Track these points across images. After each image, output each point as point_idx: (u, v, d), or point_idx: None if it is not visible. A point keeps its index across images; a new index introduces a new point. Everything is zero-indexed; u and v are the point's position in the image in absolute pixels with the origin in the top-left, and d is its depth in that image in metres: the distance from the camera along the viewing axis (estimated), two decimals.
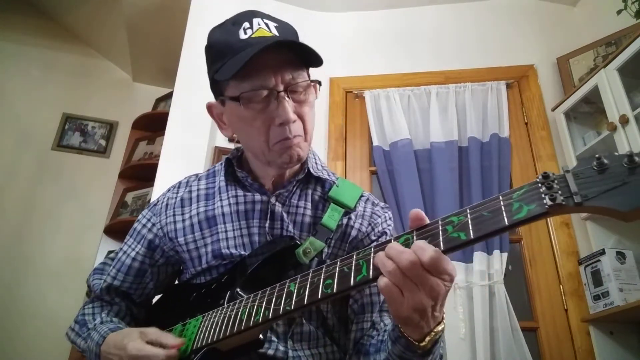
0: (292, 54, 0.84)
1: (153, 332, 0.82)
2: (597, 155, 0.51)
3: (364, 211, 0.97)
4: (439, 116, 2.45)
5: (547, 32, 2.69)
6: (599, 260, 1.96)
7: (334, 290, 0.64)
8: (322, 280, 0.66)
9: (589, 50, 2.45)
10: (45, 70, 3.42)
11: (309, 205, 0.94)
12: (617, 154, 0.50)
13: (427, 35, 2.79)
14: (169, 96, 2.99)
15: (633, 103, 1.99)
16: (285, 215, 0.92)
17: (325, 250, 0.90)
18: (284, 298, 0.70)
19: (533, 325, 2.08)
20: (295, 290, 0.69)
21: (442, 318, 0.66)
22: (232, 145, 2.51)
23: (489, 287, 2.07)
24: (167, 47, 3.06)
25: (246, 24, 0.85)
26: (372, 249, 0.64)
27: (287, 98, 0.82)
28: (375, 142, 2.45)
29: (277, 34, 0.85)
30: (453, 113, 2.45)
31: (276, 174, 0.93)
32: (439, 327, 0.65)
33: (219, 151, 2.46)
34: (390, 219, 0.99)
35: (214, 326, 0.78)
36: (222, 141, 2.51)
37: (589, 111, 2.33)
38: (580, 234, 2.18)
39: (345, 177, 2.40)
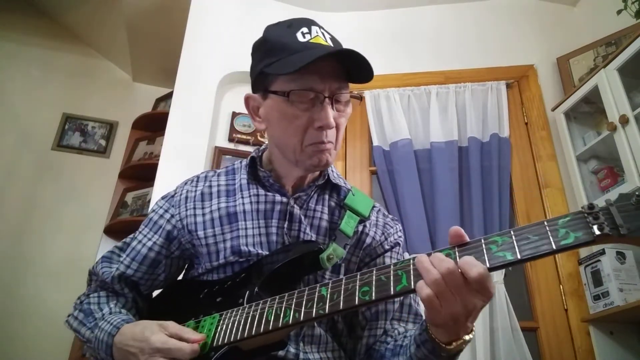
0: (342, 68, 0.88)
1: (172, 325, 0.81)
2: (637, 193, 0.57)
3: (377, 221, 1.01)
4: (439, 116, 2.45)
5: (547, 32, 2.69)
6: (599, 260, 1.96)
7: (373, 297, 0.66)
8: (357, 287, 0.68)
9: (589, 50, 2.45)
10: (45, 70, 3.42)
11: (326, 210, 0.97)
12: None
13: (427, 35, 2.79)
14: (169, 96, 2.99)
15: (633, 103, 1.99)
16: (303, 217, 0.94)
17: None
18: (315, 301, 0.71)
19: (533, 325, 2.08)
20: (328, 295, 0.70)
21: (472, 329, 0.69)
22: (232, 146, 2.52)
23: (491, 280, 2.07)
24: (167, 47, 3.06)
25: (304, 29, 0.89)
26: (412, 261, 0.66)
27: (331, 105, 0.86)
28: (375, 142, 2.45)
29: (332, 45, 0.89)
30: (453, 113, 2.45)
31: (300, 175, 0.96)
32: (467, 337, 0.68)
33: (219, 151, 2.46)
34: (400, 231, 1.04)
35: (236, 325, 0.78)
36: (222, 141, 2.52)
37: (589, 111, 2.33)
38: None
39: (346, 177, 2.40)
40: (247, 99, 0.97)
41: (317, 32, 0.89)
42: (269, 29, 0.94)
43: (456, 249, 0.64)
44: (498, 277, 2.06)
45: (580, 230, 0.57)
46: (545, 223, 0.59)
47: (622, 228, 0.55)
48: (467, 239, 0.64)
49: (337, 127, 0.90)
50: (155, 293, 1.05)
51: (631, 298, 1.84)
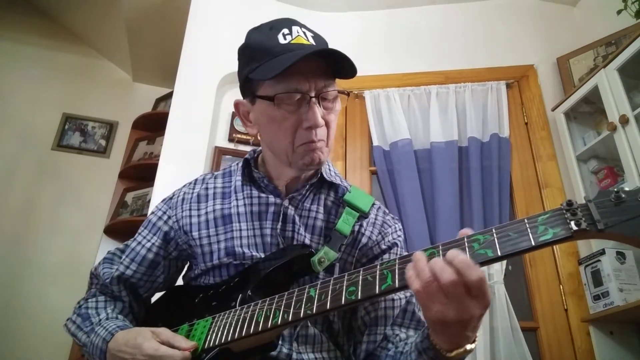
0: (326, 65, 0.89)
1: (165, 332, 0.82)
2: (615, 189, 0.58)
3: (376, 219, 0.99)
4: (439, 116, 2.45)
5: (547, 32, 2.69)
6: (599, 260, 1.96)
7: (359, 297, 0.67)
8: (344, 287, 0.69)
9: (589, 50, 2.45)
10: (45, 70, 3.41)
11: (322, 209, 0.97)
12: (630, 189, 0.58)
13: (427, 35, 2.79)
14: (169, 96, 2.99)
15: (633, 103, 1.99)
16: (297, 218, 0.94)
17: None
18: (304, 302, 0.72)
19: (533, 325, 2.08)
20: (316, 296, 0.71)
21: (474, 339, 0.68)
22: (232, 146, 2.52)
23: (489, 287, 2.07)
24: (167, 47, 3.05)
25: (285, 30, 0.89)
26: (397, 261, 0.67)
27: (317, 104, 0.87)
28: (375, 142, 2.45)
29: (314, 43, 0.89)
30: (453, 113, 2.45)
31: (294, 176, 0.96)
32: (469, 346, 0.68)
33: (219, 151, 2.46)
34: (400, 230, 1.02)
35: (227, 327, 0.79)
36: (222, 141, 2.52)
37: (589, 111, 2.33)
38: None
39: (346, 177, 2.40)
40: (237, 105, 0.98)
41: (298, 32, 0.89)
42: (251, 34, 0.94)
43: (440, 247, 0.64)
44: (498, 277, 2.06)
45: (559, 226, 0.58)
46: (526, 220, 0.61)
47: (599, 223, 0.56)
48: None
49: (327, 124, 0.90)
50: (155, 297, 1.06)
51: (631, 298, 1.84)
